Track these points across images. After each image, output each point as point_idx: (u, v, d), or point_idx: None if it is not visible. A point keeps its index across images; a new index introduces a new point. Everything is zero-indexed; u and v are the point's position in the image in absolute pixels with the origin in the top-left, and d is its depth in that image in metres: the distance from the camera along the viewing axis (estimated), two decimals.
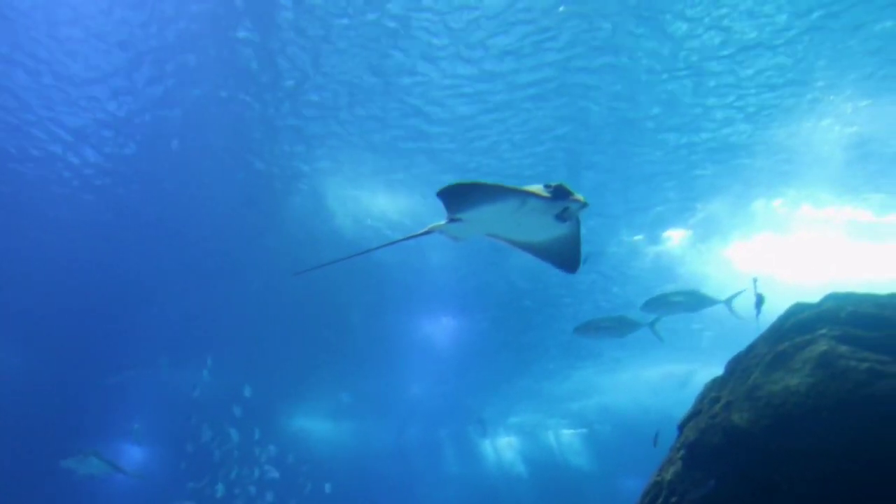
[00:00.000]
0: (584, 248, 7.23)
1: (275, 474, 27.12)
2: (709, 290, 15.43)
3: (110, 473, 19.94)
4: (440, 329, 25.47)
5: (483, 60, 13.31)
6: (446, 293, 22.62)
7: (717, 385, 8.60)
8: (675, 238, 19.51)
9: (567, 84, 13.89)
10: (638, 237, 19.62)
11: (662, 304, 13.76)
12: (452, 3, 12.02)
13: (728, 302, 13.63)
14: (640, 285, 21.61)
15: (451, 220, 7.03)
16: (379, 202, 17.80)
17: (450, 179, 16.81)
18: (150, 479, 27.31)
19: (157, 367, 26.13)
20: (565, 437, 43.10)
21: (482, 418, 28.99)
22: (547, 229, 6.97)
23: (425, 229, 7.26)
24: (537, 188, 6.67)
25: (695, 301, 13.66)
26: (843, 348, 7.35)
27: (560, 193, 6.56)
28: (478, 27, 12.50)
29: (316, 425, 36.34)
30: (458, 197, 6.72)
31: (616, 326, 14.10)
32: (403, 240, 8.21)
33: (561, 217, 6.67)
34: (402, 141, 15.63)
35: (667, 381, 31.76)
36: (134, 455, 32.95)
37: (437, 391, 31.84)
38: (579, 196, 6.60)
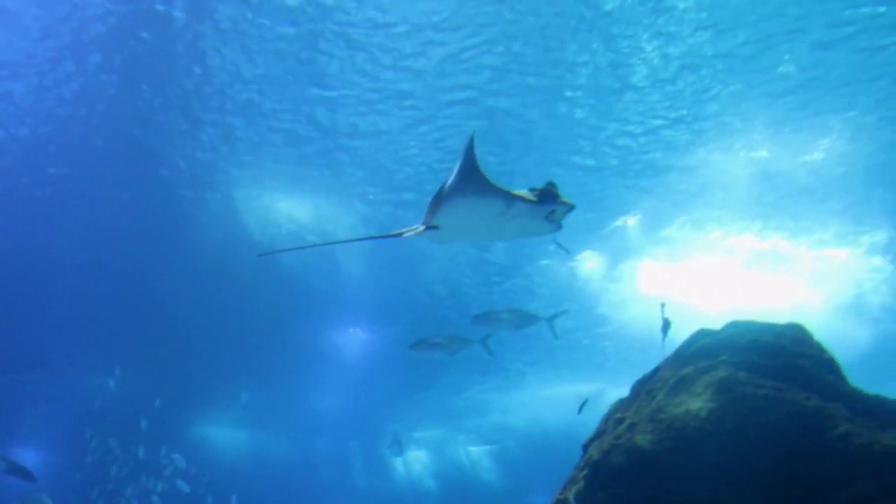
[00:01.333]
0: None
1: (180, 487, 26.21)
2: (618, 311, 15.78)
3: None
4: (351, 339, 25.24)
5: (402, 80, 13.33)
6: (358, 303, 22.47)
7: (622, 406, 8.75)
8: (588, 258, 19.93)
9: (484, 106, 14.04)
10: (558, 261, 19.97)
11: (489, 320, 13.88)
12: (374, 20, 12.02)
13: (550, 320, 13.80)
14: (554, 303, 21.93)
15: (428, 228, 6.76)
16: (295, 207, 17.55)
17: (367, 188, 16.82)
18: (44, 487, 26.06)
19: (57, 370, 25.03)
20: (475, 453, 43.25)
21: (398, 438, 28.76)
22: (529, 231, 6.86)
23: (399, 231, 7.09)
24: (523, 192, 6.50)
25: (519, 319, 13.79)
26: (742, 374, 7.58)
27: (546, 197, 6.43)
28: (400, 43, 12.52)
29: (219, 434, 35.39)
30: (437, 204, 6.43)
31: (447, 344, 14.23)
32: (381, 237, 7.95)
33: (548, 219, 6.57)
34: (320, 149, 15.48)
35: (575, 399, 32.26)
36: (28, 461, 31.40)
37: (346, 402, 31.48)
38: (566, 199, 6.47)
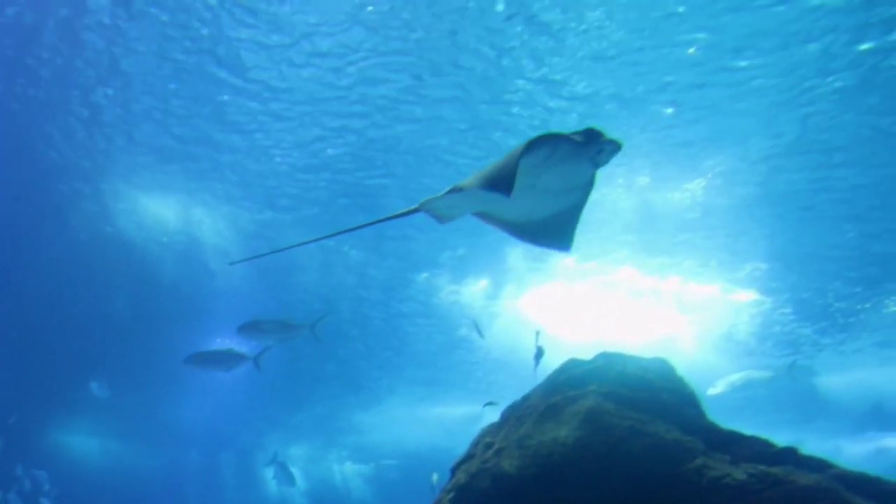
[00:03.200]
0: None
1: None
2: (502, 337, 15.94)
3: None
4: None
5: (288, 90, 13.10)
6: (232, 313, 21.83)
7: (491, 431, 8.80)
8: (473, 282, 20.13)
9: (374, 122, 14.00)
10: (440, 279, 20.03)
11: (254, 329, 13.85)
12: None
13: (313, 327, 13.85)
14: (435, 324, 22.06)
15: (452, 191, 6.25)
16: (166, 209, 16.95)
17: (239, 195, 16.43)
18: None
19: None
20: (349, 471, 42.76)
21: (285, 465, 27.99)
22: (571, 180, 6.30)
23: (415, 206, 6.51)
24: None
25: (282, 329, 13.81)
26: (608, 405, 7.74)
27: (592, 135, 5.93)
28: (291, 50, 12.30)
29: (77, 444, 33.55)
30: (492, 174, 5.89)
31: (224, 360, 14.15)
32: (389, 218, 7.17)
33: (595, 161, 6.07)
34: (197, 153, 15.04)
35: (457, 420, 32.46)
36: None
37: (217, 414, 30.50)
38: (612, 136, 5.98)
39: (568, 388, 8.18)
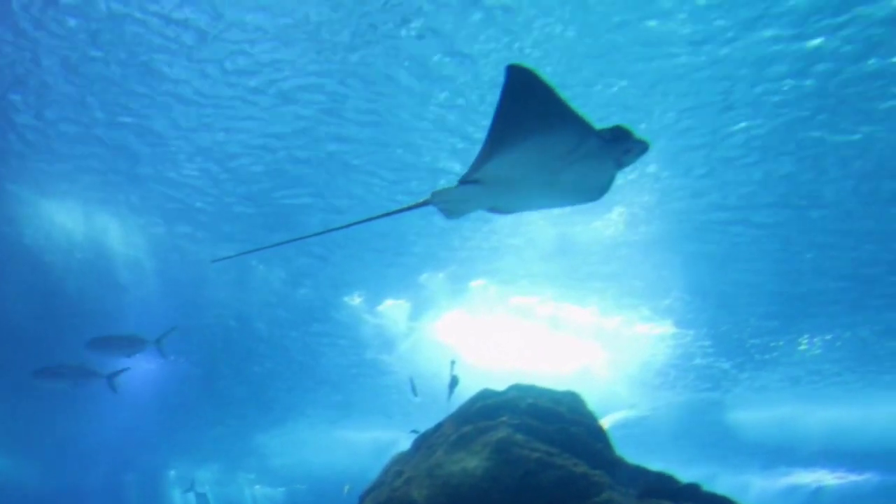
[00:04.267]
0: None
1: None
2: (419, 363, 15.84)
3: None
4: (135, 366, 23.56)
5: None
6: (139, 328, 21.13)
7: (402, 459, 8.73)
8: (393, 307, 20.07)
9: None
10: (357, 300, 19.92)
11: (102, 345, 13.76)
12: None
13: (158, 342, 13.90)
14: (352, 349, 21.90)
15: (466, 183, 5.87)
16: (71, 216, 16.40)
17: (156, 208, 16.07)
18: None
19: None
20: (260, 495, 41.79)
21: (203, 493, 27.06)
22: (592, 179, 5.95)
23: (425, 199, 6.07)
24: None
25: (129, 345, 13.80)
26: (519, 437, 7.78)
27: (620, 134, 5.63)
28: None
29: None
30: (492, 149, 5.51)
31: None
32: (397, 212, 6.71)
33: (619, 163, 5.77)
34: (110, 164, 14.66)
35: (371, 445, 32.14)
36: None
37: (121, 434, 29.36)
38: (641, 136, 5.71)
39: (480, 418, 8.20)
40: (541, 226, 16.05)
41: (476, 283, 18.69)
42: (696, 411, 28.27)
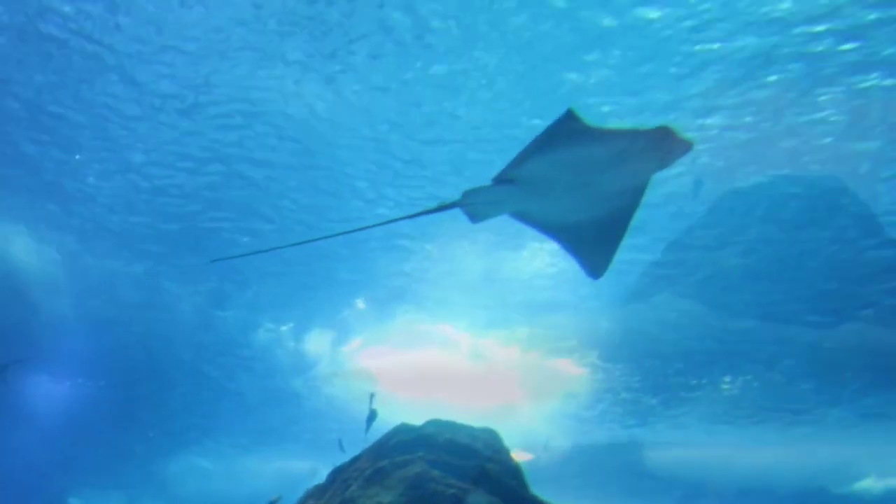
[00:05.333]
0: None
1: None
2: (339, 392, 15.57)
3: None
4: (38, 387, 22.55)
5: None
6: (56, 347, 20.36)
7: (316, 493, 8.59)
8: (314, 335, 19.88)
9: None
10: (277, 327, 19.69)
11: None
12: None
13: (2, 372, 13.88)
14: (269, 377, 21.59)
15: (501, 182, 5.71)
16: None
17: (76, 225, 15.67)
18: None
19: None
20: None
21: None
22: (634, 180, 5.81)
23: (455, 199, 5.86)
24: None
25: None
26: (434, 472, 7.77)
27: (666, 134, 5.53)
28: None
29: None
30: (533, 150, 5.42)
31: None
32: (424, 213, 6.41)
33: (662, 163, 5.65)
34: (24, 179, 14.33)
35: (285, 476, 31.46)
36: None
37: (22, 460, 27.89)
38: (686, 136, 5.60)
39: (396, 452, 8.15)
40: (468, 257, 16.18)
41: (400, 313, 18.65)
42: (616, 448, 28.51)
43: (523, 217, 6.20)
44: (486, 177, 6.03)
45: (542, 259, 16.18)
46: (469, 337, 19.62)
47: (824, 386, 21.47)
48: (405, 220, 7.42)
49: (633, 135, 5.48)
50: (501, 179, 5.80)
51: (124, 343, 20.27)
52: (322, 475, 9.26)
